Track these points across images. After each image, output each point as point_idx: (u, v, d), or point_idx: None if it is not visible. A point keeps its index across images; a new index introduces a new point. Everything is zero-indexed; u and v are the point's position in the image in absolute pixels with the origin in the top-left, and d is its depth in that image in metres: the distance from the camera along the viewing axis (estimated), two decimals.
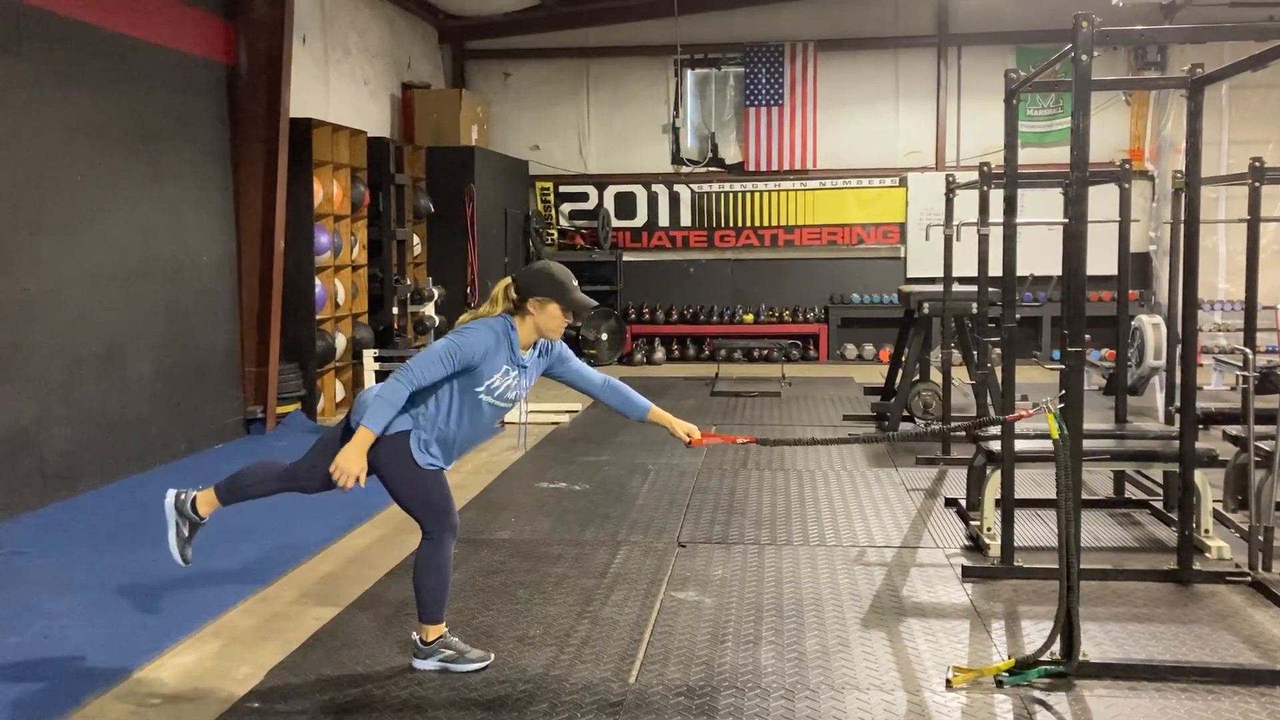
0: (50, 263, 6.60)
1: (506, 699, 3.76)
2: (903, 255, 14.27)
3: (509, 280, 3.93)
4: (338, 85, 11.16)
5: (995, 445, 5.37)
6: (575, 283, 3.95)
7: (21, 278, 6.37)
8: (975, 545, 5.52)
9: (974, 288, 7.37)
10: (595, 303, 4.07)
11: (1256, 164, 6.02)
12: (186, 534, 4.13)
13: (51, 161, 6.64)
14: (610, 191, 14.67)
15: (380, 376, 9.29)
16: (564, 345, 4.11)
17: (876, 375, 11.56)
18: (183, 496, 4.11)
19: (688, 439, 4.13)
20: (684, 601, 4.78)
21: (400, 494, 3.90)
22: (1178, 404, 5.17)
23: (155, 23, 7.63)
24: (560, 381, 4.16)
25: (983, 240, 6.78)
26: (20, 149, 6.38)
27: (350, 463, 3.70)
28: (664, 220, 14.66)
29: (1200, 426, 6.03)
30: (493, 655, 4.07)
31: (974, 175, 6.89)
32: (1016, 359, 5.45)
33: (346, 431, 3.90)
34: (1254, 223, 5.97)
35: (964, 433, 6.85)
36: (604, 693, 3.81)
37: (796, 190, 14.34)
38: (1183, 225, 5.15)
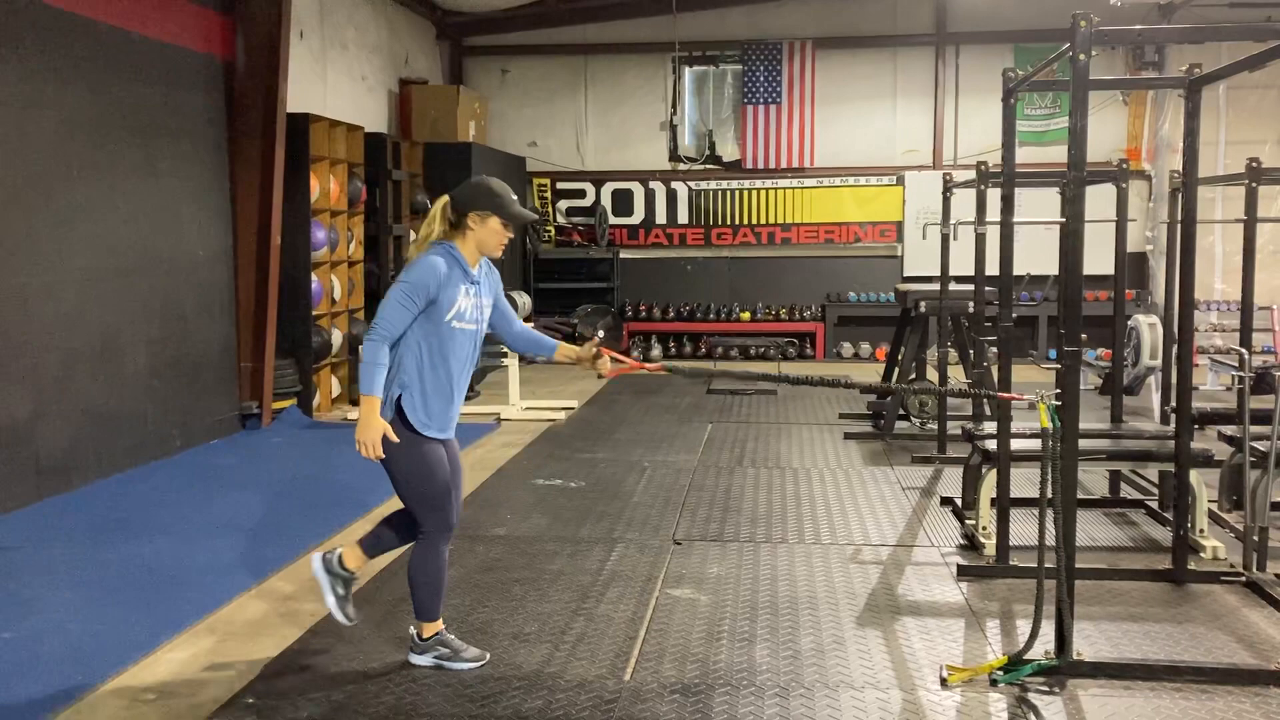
0: (46, 257, 6.59)
1: (501, 695, 3.75)
2: (900, 254, 14.27)
3: (446, 199, 3.90)
4: (335, 80, 11.14)
5: (991, 444, 5.38)
6: (514, 196, 3.92)
7: (17, 272, 6.35)
8: (970, 544, 5.53)
9: (971, 286, 7.38)
10: (534, 214, 4.05)
11: (1253, 164, 6.02)
12: (343, 592, 4.05)
13: (47, 156, 6.63)
14: (607, 189, 14.66)
15: None
16: (499, 278, 4.08)
17: (873, 374, 11.57)
18: (328, 556, 4.05)
19: (594, 361, 4.10)
20: (679, 599, 4.78)
21: (402, 481, 3.86)
22: (1173, 404, 5.18)
23: (152, 17, 7.61)
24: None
25: (980, 239, 6.78)
26: (16, 143, 6.36)
27: (366, 432, 3.68)
28: (661, 218, 14.65)
29: (1196, 426, 6.03)
30: (488, 654, 4.07)
31: (971, 174, 6.89)
32: (1013, 358, 5.45)
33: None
34: (1250, 223, 5.97)
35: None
36: (599, 690, 3.81)
37: (794, 188, 14.34)
38: (1179, 225, 5.15)
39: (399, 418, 3.78)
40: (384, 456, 3.78)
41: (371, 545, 4.08)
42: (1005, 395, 4.63)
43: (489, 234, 3.86)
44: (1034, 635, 3.89)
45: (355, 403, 10.03)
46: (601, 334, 4.25)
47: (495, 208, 3.84)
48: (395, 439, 3.74)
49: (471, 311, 3.86)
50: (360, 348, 3.71)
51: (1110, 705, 3.68)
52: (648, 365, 4.45)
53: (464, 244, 3.86)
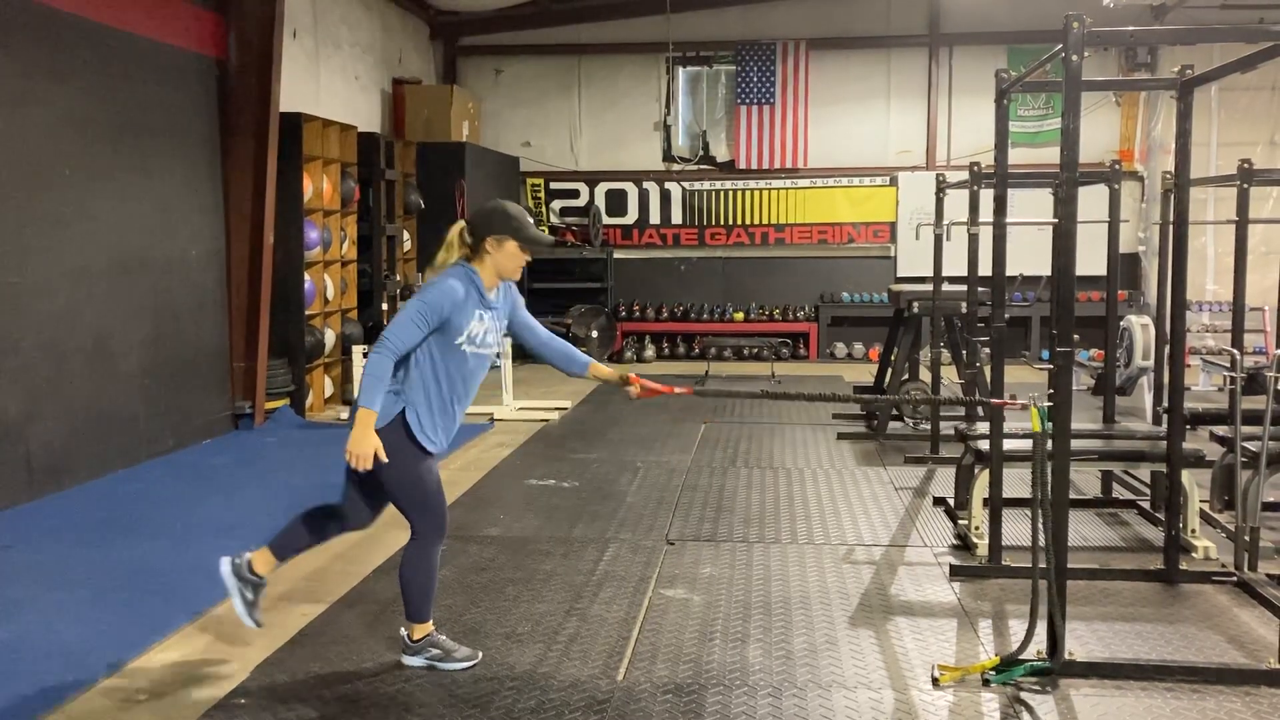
0: (38, 256, 6.57)
1: (494, 696, 3.75)
2: (893, 254, 14.29)
3: (462, 223, 3.91)
4: (328, 80, 11.12)
5: (983, 444, 5.38)
6: (530, 219, 3.93)
7: (8, 271, 6.33)
8: (963, 544, 5.53)
9: (964, 287, 7.38)
10: (552, 238, 4.06)
11: (1245, 166, 6.05)
12: (251, 597, 4.02)
13: (39, 155, 6.61)
14: (601, 188, 14.66)
15: None
16: (518, 293, 4.09)
17: (866, 374, 11.58)
18: (238, 561, 4.03)
19: (625, 385, 4.10)
20: (672, 599, 4.78)
21: (394, 486, 3.86)
22: (1165, 404, 5.19)
23: (145, 16, 7.60)
24: (508, 333, 4.12)
25: (973, 240, 6.78)
26: (8, 142, 6.34)
27: (360, 444, 3.67)
28: (655, 218, 14.66)
29: (1187, 427, 6.04)
30: (480, 654, 4.07)
31: (964, 175, 6.90)
32: (1005, 358, 5.46)
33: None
34: (1242, 224, 6.00)
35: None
36: (592, 690, 3.81)
37: (787, 189, 14.35)
38: (1172, 226, 5.17)
39: (404, 431, 3.78)
40: (376, 464, 3.79)
41: (281, 548, 4.04)
42: (998, 401, 4.64)
43: (506, 258, 3.87)
44: (1029, 636, 3.89)
45: (348, 403, 10.02)
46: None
47: (512, 231, 3.85)
48: (385, 459, 3.72)
49: (483, 336, 3.87)
50: (365, 358, 3.71)
51: (1102, 705, 3.68)
52: (677, 389, 4.44)
53: (482, 267, 3.87)
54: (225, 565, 4.02)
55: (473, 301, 3.81)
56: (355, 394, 3.79)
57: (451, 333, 3.77)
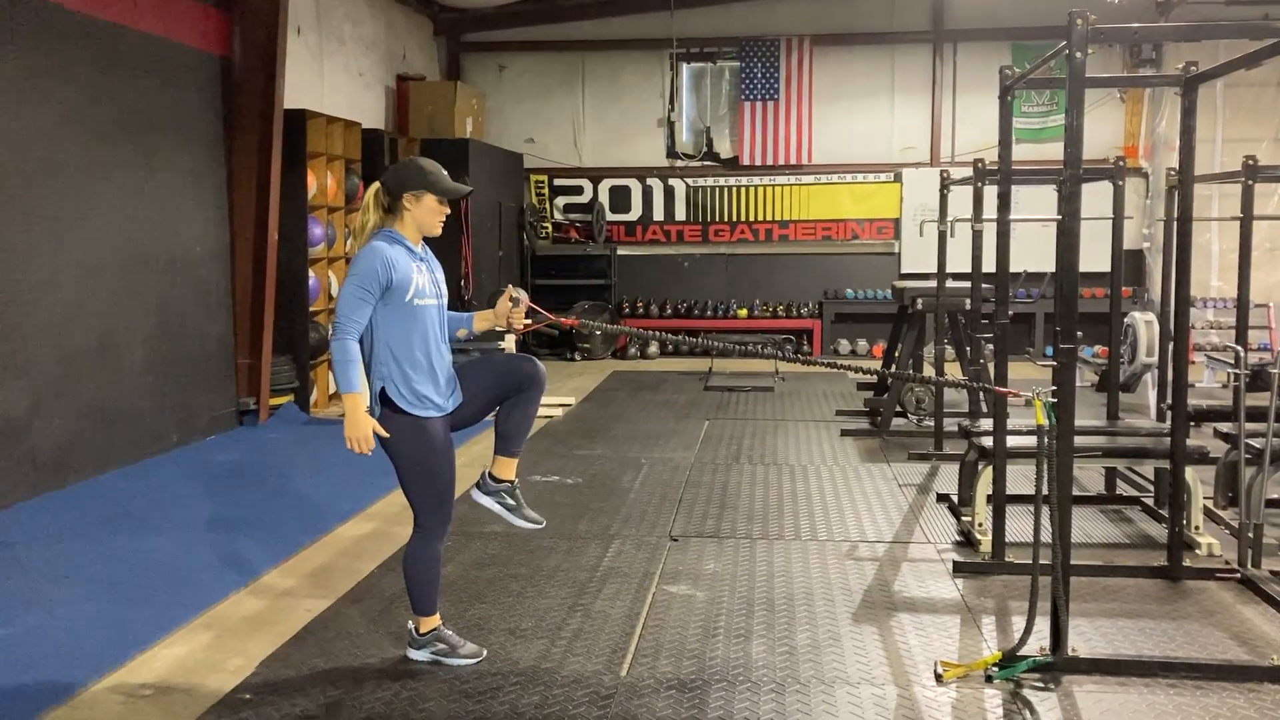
0: (43, 254, 6.58)
1: (498, 691, 3.76)
2: (897, 251, 14.28)
3: (377, 185, 3.91)
4: (332, 77, 11.13)
5: (987, 441, 5.38)
6: (444, 171, 3.94)
7: (13, 268, 6.34)
8: (966, 540, 5.53)
9: (967, 284, 7.38)
10: (469, 187, 4.04)
11: (1250, 162, 6.03)
12: (513, 503, 4.13)
13: (44, 152, 6.62)
14: (605, 185, 14.66)
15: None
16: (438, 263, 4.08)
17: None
18: (479, 482, 4.13)
19: (510, 313, 4.03)
20: (675, 595, 4.79)
21: (406, 470, 3.85)
22: (1169, 401, 5.19)
23: (150, 13, 7.60)
24: None
25: (977, 236, 6.79)
26: (12, 140, 6.35)
27: (355, 428, 3.70)
28: (659, 214, 14.66)
29: (1191, 423, 6.04)
30: (485, 652, 4.07)
31: (969, 171, 6.90)
32: (1009, 355, 5.46)
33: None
34: (1247, 220, 5.99)
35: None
36: (595, 685, 3.82)
37: (791, 185, 14.35)
38: (1176, 223, 5.16)
39: (389, 408, 3.79)
40: (387, 448, 3.81)
41: (505, 446, 4.09)
42: (1002, 390, 4.64)
43: (426, 213, 3.88)
44: (1028, 631, 3.90)
45: None
46: (513, 287, 4.17)
47: (428, 185, 3.85)
48: (386, 434, 3.76)
49: (429, 287, 3.88)
50: (329, 348, 3.74)
51: (1105, 701, 3.69)
52: (564, 320, 4.38)
53: (403, 226, 3.88)
54: (475, 493, 4.15)
55: (404, 257, 3.81)
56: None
57: (400, 291, 3.76)
